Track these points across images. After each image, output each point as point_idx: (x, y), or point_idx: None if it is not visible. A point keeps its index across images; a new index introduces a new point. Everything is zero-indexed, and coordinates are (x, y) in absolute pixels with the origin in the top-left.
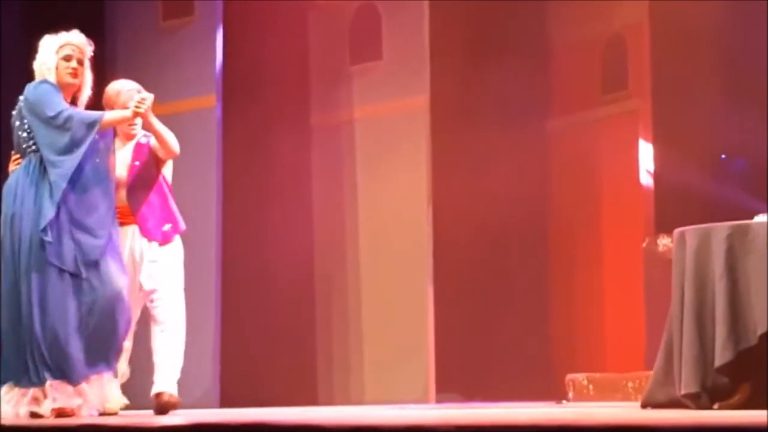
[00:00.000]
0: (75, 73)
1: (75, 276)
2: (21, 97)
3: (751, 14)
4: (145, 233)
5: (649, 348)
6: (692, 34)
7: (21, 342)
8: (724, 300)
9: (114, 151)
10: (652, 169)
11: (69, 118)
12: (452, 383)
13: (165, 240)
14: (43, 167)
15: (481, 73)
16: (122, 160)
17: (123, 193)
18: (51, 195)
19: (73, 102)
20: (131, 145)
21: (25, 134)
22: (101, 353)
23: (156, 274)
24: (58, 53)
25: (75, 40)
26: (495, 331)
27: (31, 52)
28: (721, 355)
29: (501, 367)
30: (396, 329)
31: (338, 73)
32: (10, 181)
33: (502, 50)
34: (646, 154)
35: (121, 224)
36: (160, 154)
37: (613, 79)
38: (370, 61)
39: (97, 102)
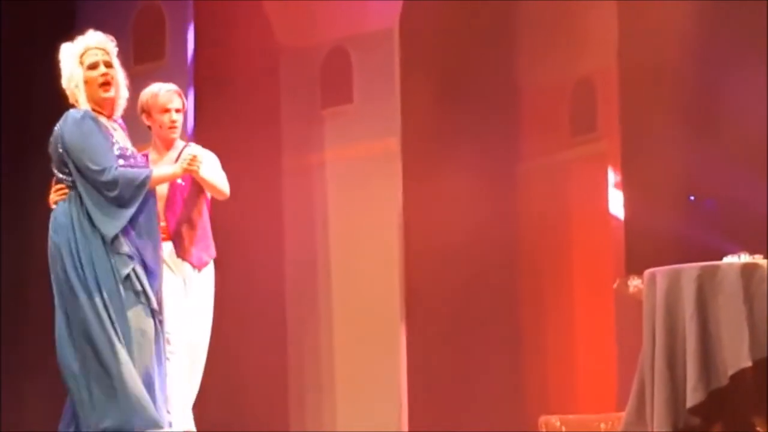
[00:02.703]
0: (107, 82)
1: None
2: (57, 128)
3: (719, 57)
4: (181, 253)
5: (622, 389)
6: (660, 76)
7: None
8: (695, 340)
9: (151, 163)
10: (621, 210)
11: (114, 181)
12: (424, 423)
13: (200, 264)
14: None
15: (452, 116)
16: None
17: (161, 212)
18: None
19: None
20: (173, 155)
21: (62, 175)
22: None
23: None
24: (83, 63)
25: (93, 41)
26: (467, 373)
27: None
28: (692, 396)
29: (473, 408)
30: (368, 372)
31: (310, 116)
32: (57, 213)
33: (472, 93)
34: (615, 195)
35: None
36: (209, 192)
37: (582, 121)
38: (341, 104)
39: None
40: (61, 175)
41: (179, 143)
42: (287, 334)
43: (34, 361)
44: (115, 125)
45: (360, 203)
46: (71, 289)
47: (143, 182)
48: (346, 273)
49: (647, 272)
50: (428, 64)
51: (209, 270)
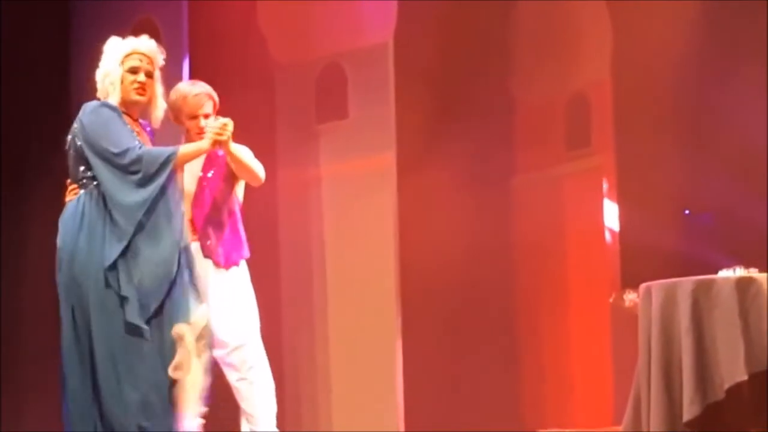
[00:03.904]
0: (142, 89)
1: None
2: (75, 123)
3: (713, 71)
4: (207, 252)
5: (618, 403)
6: (655, 90)
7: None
8: (691, 354)
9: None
10: (616, 224)
11: (138, 160)
12: None
13: (228, 263)
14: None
15: (447, 130)
16: (191, 169)
17: (188, 207)
18: (118, 239)
19: (138, 115)
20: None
21: (82, 167)
22: None
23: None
24: (124, 64)
25: (144, 47)
26: (463, 386)
27: None
28: (689, 410)
29: (469, 422)
30: (364, 385)
31: (305, 132)
32: (66, 216)
33: (467, 107)
34: (610, 209)
35: None
36: (241, 176)
37: (576, 135)
38: (337, 119)
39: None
40: (76, 174)
41: None
42: (282, 348)
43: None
44: (137, 128)
45: (356, 217)
46: (61, 294)
47: (168, 158)
48: (342, 287)
49: (643, 286)
50: (423, 79)
51: (241, 270)
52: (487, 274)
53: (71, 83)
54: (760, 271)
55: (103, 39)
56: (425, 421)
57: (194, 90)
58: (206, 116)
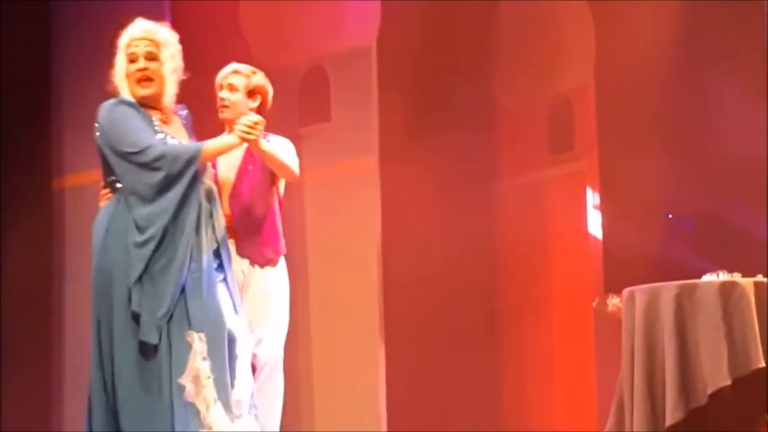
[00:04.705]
0: (145, 77)
1: None
2: (96, 124)
3: (697, 75)
4: (240, 249)
5: (601, 407)
6: (638, 94)
7: None
8: (674, 359)
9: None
10: (600, 228)
11: (160, 157)
12: None
13: (263, 261)
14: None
15: (430, 134)
16: (230, 160)
17: (225, 201)
18: (143, 248)
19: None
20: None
21: (106, 176)
22: None
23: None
24: (127, 55)
25: (138, 31)
26: (446, 391)
27: None
28: (672, 414)
29: (453, 426)
30: (346, 386)
31: (288, 135)
32: (97, 223)
33: (450, 111)
34: (593, 213)
35: None
36: (275, 172)
37: (559, 140)
38: (320, 122)
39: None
40: (105, 176)
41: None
42: None
43: None
44: (163, 116)
45: (338, 220)
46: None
47: (194, 155)
48: (324, 289)
49: (626, 290)
50: (406, 82)
51: (278, 269)
52: (470, 277)
53: (52, 86)
54: (744, 275)
55: (84, 41)
56: (407, 422)
57: (231, 66)
58: (232, 88)
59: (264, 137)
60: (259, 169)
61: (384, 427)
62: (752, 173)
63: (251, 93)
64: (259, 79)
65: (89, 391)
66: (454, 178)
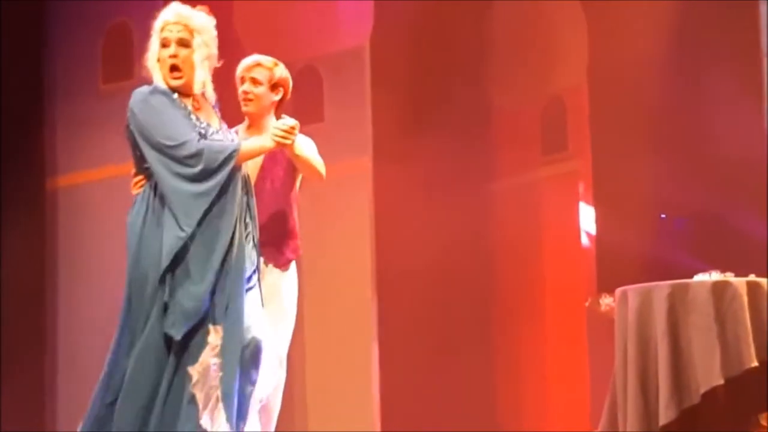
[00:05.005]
0: (175, 66)
1: None
2: (128, 109)
3: (689, 74)
4: (260, 250)
5: (594, 407)
6: (631, 94)
7: None
8: (667, 359)
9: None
10: (593, 228)
11: (197, 154)
12: None
13: (285, 264)
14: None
15: (423, 134)
16: (252, 159)
17: None
18: (178, 236)
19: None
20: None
21: (138, 163)
22: None
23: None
24: (160, 40)
25: (171, 15)
26: (440, 391)
27: None
28: (664, 414)
29: (447, 426)
30: (340, 386)
31: None
32: (132, 213)
33: (444, 111)
34: (587, 213)
35: None
36: (303, 173)
37: (553, 140)
38: (312, 123)
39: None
40: (137, 164)
41: (267, 122)
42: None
43: None
44: (198, 104)
45: (332, 221)
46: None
47: (230, 155)
48: (318, 289)
49: (619, 290)
50: (399, 83)
51: (292, 270)
52: (463, 277)
53: (45, 86)
54: (737, 275)
55: (77, 42)
56: (401, 423)
57: (252, 57)
58: (254, 81)
59: None
60: (282, 169)
61: (378, 427)
62: (746, 173)
63: (274, 86)
64: (282, 71)
65: (108, 374)
66: (448, 178)
